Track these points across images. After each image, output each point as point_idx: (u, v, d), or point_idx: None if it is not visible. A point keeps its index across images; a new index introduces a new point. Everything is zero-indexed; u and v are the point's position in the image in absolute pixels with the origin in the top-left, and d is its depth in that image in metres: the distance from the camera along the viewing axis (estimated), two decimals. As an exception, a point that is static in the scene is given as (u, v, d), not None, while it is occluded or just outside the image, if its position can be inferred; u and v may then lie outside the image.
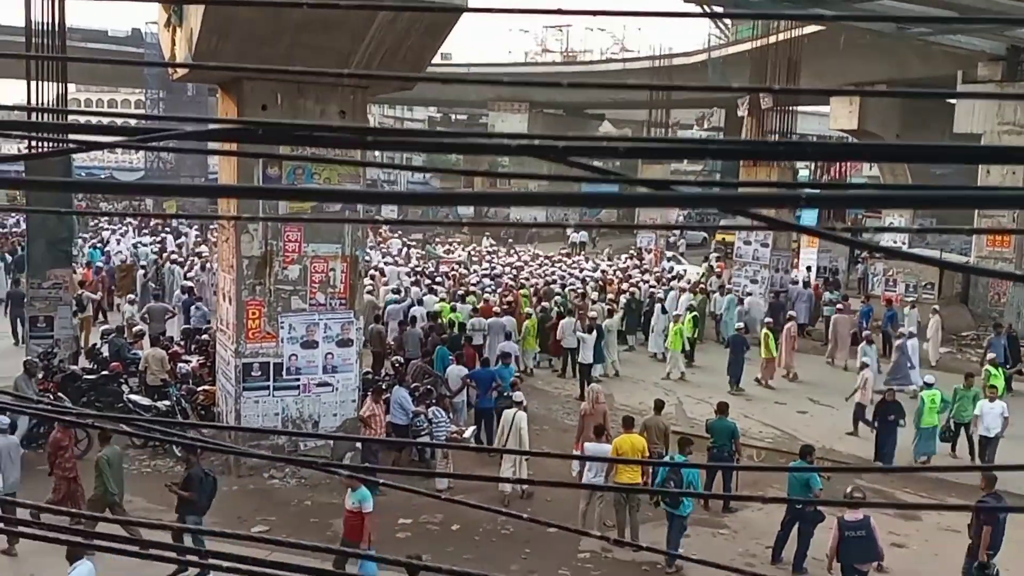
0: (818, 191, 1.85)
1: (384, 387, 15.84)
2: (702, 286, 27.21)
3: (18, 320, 20.77)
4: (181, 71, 13.94)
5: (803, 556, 12.01)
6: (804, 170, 46.46)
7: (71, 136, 2.36)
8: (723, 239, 39.48)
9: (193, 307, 21.22)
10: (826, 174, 39.34)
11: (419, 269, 30.11)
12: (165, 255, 29.21)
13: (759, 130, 27.80)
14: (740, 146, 1.98)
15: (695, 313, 23.21)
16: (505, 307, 22.07)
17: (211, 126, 2.30)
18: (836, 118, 39.37)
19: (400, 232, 42.30)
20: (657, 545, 12.30)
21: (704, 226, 43.92)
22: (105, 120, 2.72)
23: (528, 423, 14.20)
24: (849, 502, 11.37)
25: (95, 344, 18.36)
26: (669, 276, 30.91)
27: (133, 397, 14.83)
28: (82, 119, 2.75)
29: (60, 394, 15.78)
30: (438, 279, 27.56)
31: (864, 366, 18.23)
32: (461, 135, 2.54)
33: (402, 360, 17.69)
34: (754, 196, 1.94)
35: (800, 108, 30.99)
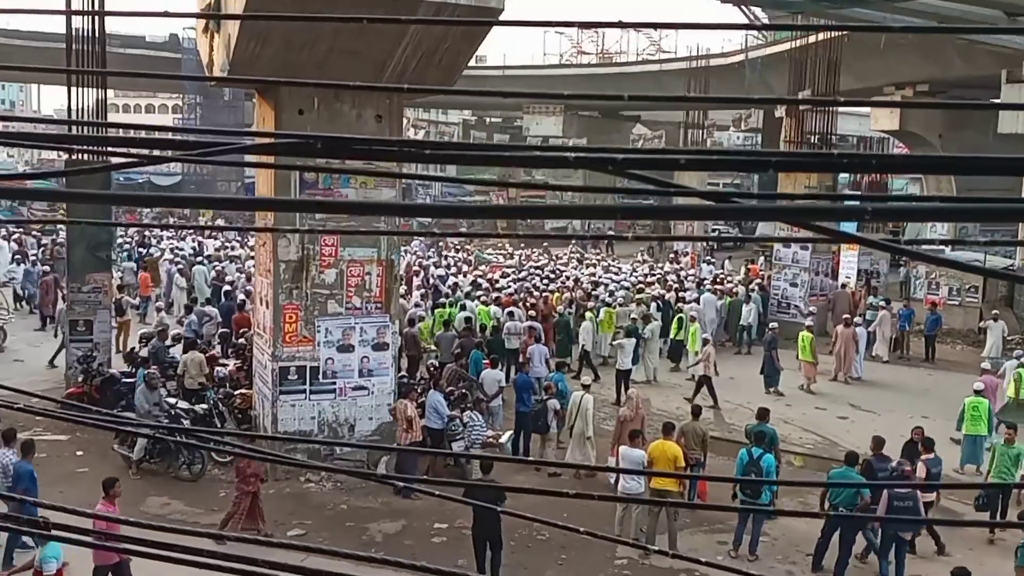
0: (884, 204, 1.76)
1: (419, 391, 15.82)
2: (733, 289, 27.08)
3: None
4: (219, 75, 14.02)
5: (845, 564, 11.81)
6: (844, 175, 45.87)
7: (136, 150, 2.33)
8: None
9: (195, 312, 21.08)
10: (867, 178, 38.80)
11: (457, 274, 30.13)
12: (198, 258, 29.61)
13: (798, 131, 27.43)
14: (803, 158, 1.90)
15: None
16: (533, 312, 21.82)
17: (254, 140, 2.25)
18: (877, 118, 38.81)
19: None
20: (694, 552, 12.17)
21: (742, 237, 43.48)
22: (142, 132, 2.68)
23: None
24: (905, 519, 11.20)
25: (133, 348, 18.53)
26: (700, 279, 30.65)
27: (173, 401, 14.92)
28: (121, 131, 2.72)
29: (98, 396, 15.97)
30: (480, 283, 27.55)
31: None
32: (518, 148, 2.47)
33: (437, 364, 17.68)
34: (818, 209, 1.85)
35: (840, 108, 30.63)
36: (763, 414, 13.96)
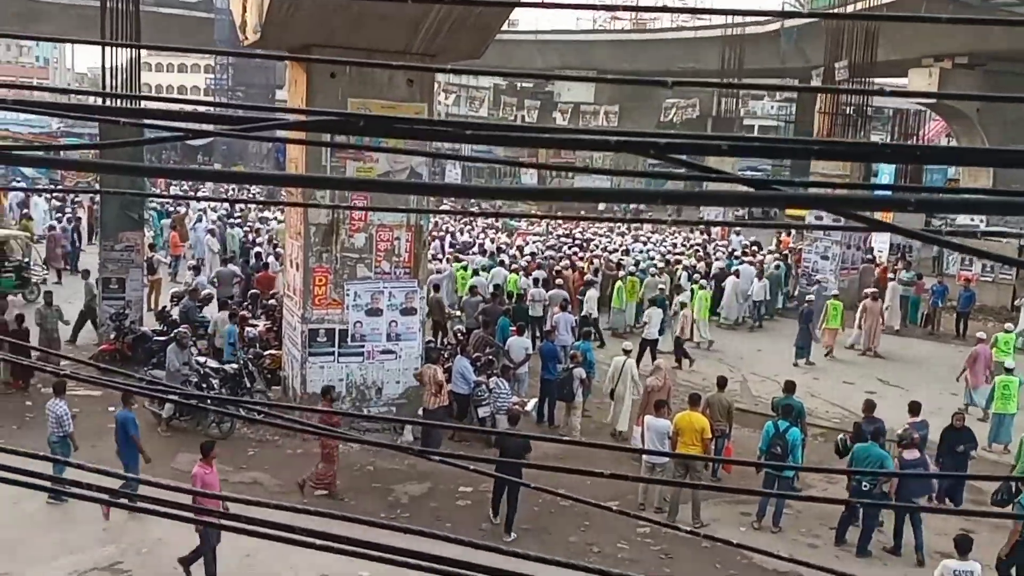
0: (928, 195, 1.73)
1: (446, 356, 15.92)
2: (762, 261, 26.97)
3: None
4: (252, 38, 14.00)
5: (868, 538, 11.85)
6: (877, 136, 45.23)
7: (178, 124, 2.35)
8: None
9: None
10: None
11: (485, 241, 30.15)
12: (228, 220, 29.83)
13: (834, 102, 27.01)
14: (847, 147, 1.86)
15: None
16: (560, 281, 21.80)
17: (291, 117, 2.25)
18: (914, 89, 38.14)
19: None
20: (717, 523, 12.24)
21: (767, 223, 42.99)
22: (170, 103, 2.70)
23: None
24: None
25: (165, 306, 18.74)
26: (731, 250, 30.51)
27: (204, 360, 15.11)
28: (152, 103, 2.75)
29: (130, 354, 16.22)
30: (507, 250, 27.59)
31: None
32: (560, 131, 2.46)
33: (464, 330, 17.75)
34: (861, 199, 1.83)
35: (877, 80, 30.08)
36: (790, 387, 13.90)
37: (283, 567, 10.30)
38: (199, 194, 36.80)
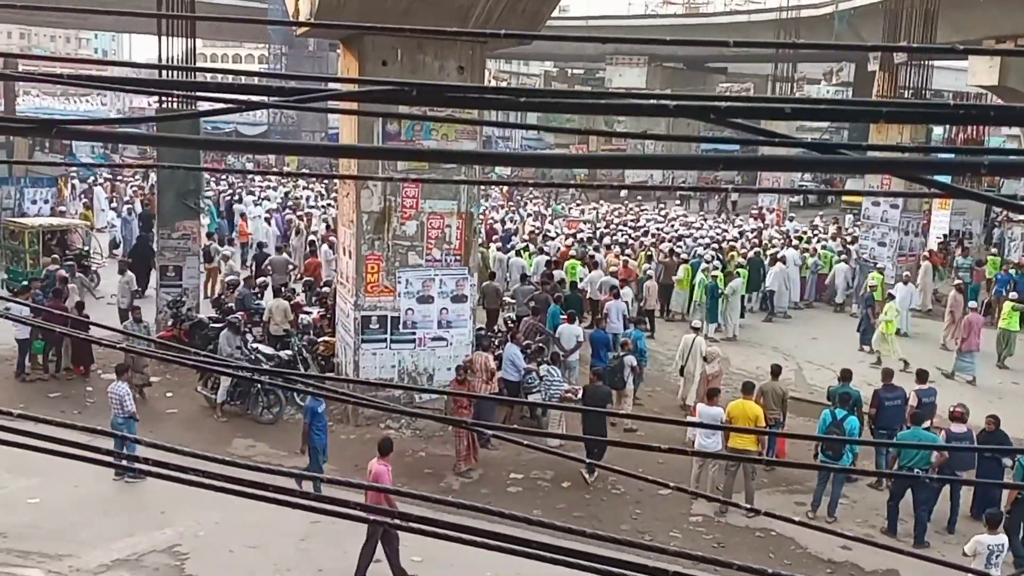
0: (1002, 158, 1.65)
1: (496, 344, 15.94)
2: (815, 248, 26.62)
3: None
4: (305, 26, 14.13)
5: (924, 527, 11.69)
6: (938, 129, 44.19)
7: (230, 96, 2.35)
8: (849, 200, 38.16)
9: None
10: (962, 133, 37.25)
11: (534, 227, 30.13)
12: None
13: (891, 85, 26.41)
14: (915, 108, 1.78)
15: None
16: (614, 270, 21.69)
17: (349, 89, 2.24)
18: (975, 73, 37.17)
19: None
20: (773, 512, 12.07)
21: (828, 191, 42.33)
22: (230, 77, 2.71)
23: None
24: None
25: (221, 294, 19.02)
26: (788, 236, 30.07)
27: (257, 346, 15.31)
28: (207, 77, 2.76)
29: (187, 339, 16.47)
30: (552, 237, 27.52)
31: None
32: (615, 95, 2.41)
33: (514, 317, 17.73)
34: (932, 163, 1.75)
35: (936, 62, 29.39)
36: (846, 375, 13.69)
37: (336, 552, 10.41)
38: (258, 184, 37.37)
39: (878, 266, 22.08)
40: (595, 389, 13.45)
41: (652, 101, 2.10)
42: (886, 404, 13.23)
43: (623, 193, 44.55)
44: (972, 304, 19.69)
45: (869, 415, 13.44)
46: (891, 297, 20.94)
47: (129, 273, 18.49)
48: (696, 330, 16.24)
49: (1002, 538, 9.70)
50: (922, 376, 14.01)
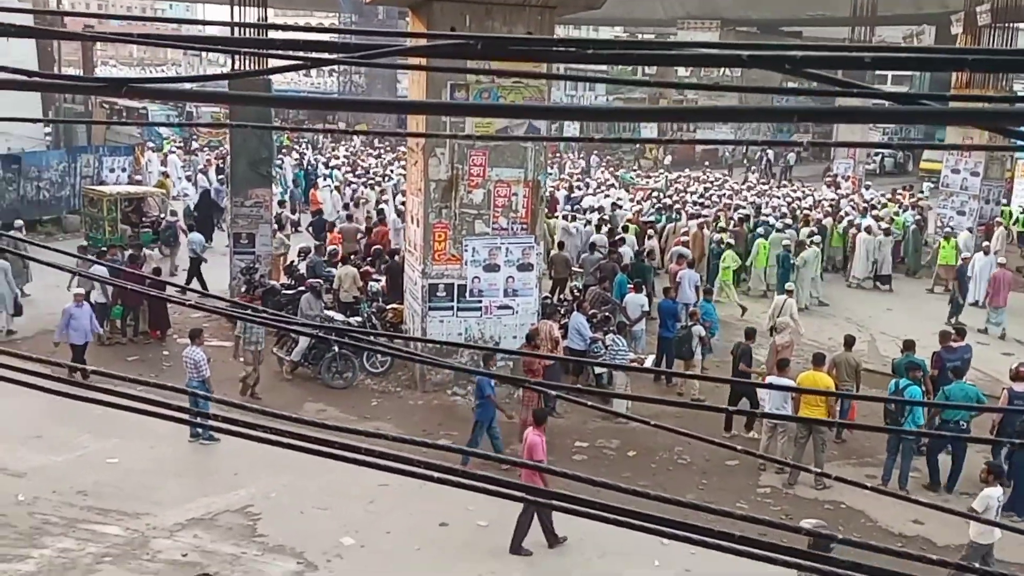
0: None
1: (562, 312, 15.92)
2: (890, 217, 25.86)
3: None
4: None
5: (956, 478, 12.03)
6: (1020, 84, 42.35)
7: (300, 53, 2.38)
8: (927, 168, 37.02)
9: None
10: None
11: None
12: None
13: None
14: (1006, 57, 1.67)
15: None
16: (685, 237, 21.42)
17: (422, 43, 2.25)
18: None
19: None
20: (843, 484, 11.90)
21: (907, 144, 40.81)
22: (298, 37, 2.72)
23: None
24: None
25: (293, 261, 19.32)
26: (866, 205, 29.22)
27: (328, 312, 15.54)
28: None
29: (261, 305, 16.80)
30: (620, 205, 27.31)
31: None
32: (687, 45, 2.36)
33: (581, 287, 17.69)
34: (1018, 113, 1.67)
35: (1022, 24, 28.15)
36: (909, 345, 13.58)
37: (403, 513, 10.58)
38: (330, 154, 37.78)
39: (947, 231, 21.46)
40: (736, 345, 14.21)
41: (725, 52, 2.04)
42: (948, 365, 13.40)
43: (696, 156, 43.95)
44: (1002, 260, 19.88)
45: (931, 377, 13.49)
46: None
47: (196, 234, 19.11)
48: (789, 292, 17.04)
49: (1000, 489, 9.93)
50: (961, 333, 14.71)
